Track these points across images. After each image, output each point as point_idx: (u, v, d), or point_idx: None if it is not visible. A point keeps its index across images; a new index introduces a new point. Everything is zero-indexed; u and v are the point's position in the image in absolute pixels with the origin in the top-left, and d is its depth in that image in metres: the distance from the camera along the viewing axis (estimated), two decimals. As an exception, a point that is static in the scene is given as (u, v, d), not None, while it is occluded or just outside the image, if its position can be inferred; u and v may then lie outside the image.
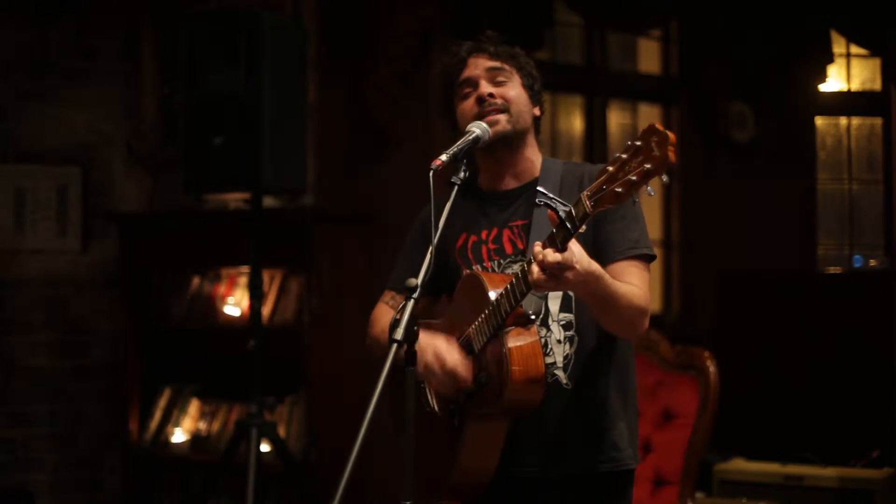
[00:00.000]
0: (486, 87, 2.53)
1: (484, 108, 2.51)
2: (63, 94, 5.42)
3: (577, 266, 2.15)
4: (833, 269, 6.80)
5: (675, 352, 3.83)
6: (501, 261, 2.55)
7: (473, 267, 2.57)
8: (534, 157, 2.60)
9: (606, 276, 2.28)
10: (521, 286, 2.26)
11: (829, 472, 4.59)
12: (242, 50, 4.16)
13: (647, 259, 2.47)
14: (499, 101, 2.52)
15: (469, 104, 2.55)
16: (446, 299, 2.63)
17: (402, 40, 4.88)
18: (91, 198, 5.44)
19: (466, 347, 2.44)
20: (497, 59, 2.55)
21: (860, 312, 5.84)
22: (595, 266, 2.23)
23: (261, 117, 4.10)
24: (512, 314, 2.32)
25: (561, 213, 2.13)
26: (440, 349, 2.40)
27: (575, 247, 2.17)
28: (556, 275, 2.15)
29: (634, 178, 2.00)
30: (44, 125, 5.37)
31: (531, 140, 2.60)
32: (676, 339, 3.87)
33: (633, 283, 2.40)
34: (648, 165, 1.99)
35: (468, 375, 2.39)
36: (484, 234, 2.58)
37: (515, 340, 2.33)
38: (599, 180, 2.07)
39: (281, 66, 4.18)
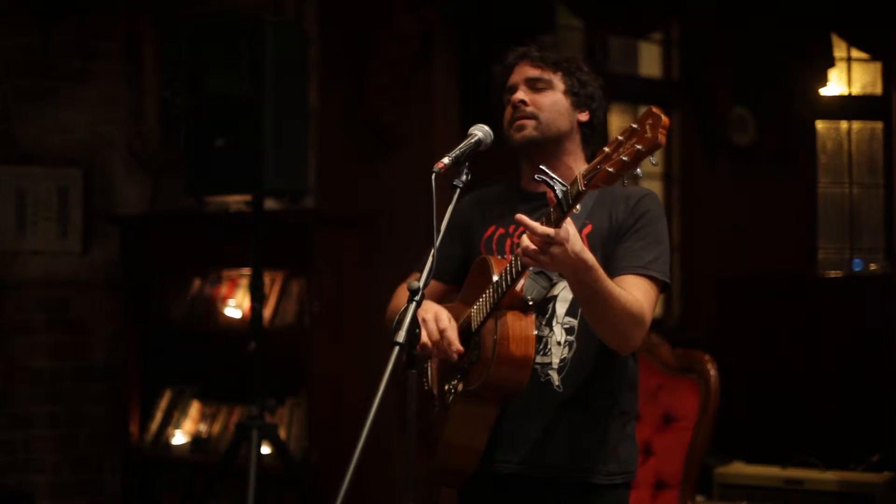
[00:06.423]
0: (519, 94, 2.56)
1: (515, 115, 2.56)
2: (64, 96, 5.41)
3: (567, 245, 2.17)
4: (833, 273, 6.81)
5: (675, 355, 3.82)
6: None
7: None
8: (574, 164, 2.57)
9: (601, 272, 2.28)
10: (518, 264, 2.31)
11: (830, 475, 4.59)
12: (244, 52, 4.16)
13: (658, 283, 2.45)
14: (529, 108, 2.54)
15: (508, 110, 2.59)
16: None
17: (404, 43, 4.88)
18: (92, 199, 5.44)
19: (467, 326, 2.47)
20: (538, 67, 2.58)
21: (860, 316, 5.85)
22: (589, 256, 2.24)
23: (262, 119, 4.11)
24: (509, 295, 2.36)
25: (558, 191, 2.17)
26: (428, 316, 2.44)
27: (570, 228, 2.20)
28: (544, 248, 2.18)
29: (626, 158, 2.06)
30: (45, 126, 5.37)
31: (570, 147, 2.59)
32: (677, 343, 3.86)
33: (636, 295, 2.38)
34: (640, 146, 2.04)
35: (457, 341, 2.43)
36: (511, 229, 2.59)
37: (508, 320, 2.36)
38: (595, 160, 2.11)
39: (282, 68, 4.19)
